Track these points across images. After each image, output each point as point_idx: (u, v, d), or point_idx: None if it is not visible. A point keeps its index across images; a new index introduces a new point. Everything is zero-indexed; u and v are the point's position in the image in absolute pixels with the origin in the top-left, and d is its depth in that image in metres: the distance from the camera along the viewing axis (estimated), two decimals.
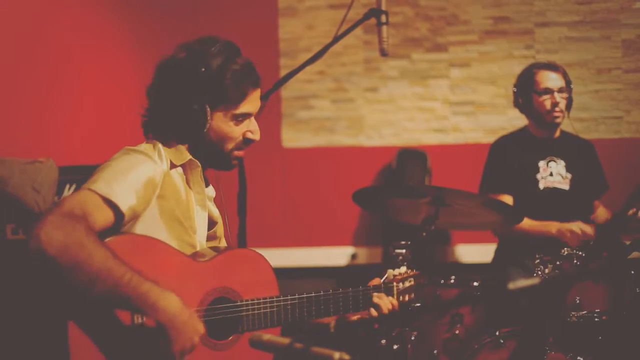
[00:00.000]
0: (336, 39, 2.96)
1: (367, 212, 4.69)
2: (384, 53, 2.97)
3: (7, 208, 3.07)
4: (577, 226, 3.49)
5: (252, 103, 2.20)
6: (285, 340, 1.54)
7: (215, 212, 2.33)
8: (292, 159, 4.82)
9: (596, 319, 2.81)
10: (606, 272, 2.57)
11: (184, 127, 2.13)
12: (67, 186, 3.35)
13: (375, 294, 2.33)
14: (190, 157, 2.16)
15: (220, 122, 2.16)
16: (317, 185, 4.82)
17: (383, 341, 3.18)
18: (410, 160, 4.60)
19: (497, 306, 3.11)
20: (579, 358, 2.77)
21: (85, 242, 1.81)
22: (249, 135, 2.21)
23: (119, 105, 4.16)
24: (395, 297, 2.38)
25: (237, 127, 2.19)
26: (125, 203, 1.96)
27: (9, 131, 3.36)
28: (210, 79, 2.11)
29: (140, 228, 2.04)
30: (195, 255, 2.11)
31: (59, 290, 1.86)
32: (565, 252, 2.87)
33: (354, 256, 4.75)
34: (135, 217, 2.02)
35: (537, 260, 2.89)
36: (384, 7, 2.97)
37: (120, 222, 1.98)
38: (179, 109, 2.12)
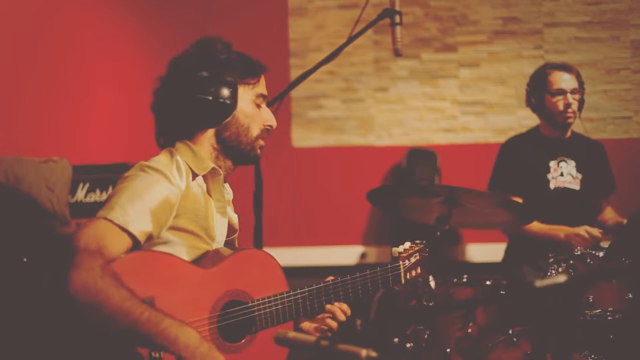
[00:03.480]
0: (351, 39, 2.97)
1: (376, 212, 4.71)
2: (397, 53, 2.97)
3: (22, 206, 3.09)
4: (584, 230, 3.50)
5: (264, 85, 2.26)
6: (312, 338, 1.55)
7: (235, 219, 2.33)
8: (302, 159, 4.84)
9: (609, 318, 2.82)
10: (627, 271, 2.58)
11: (213, 111, 2.14)
12: (81, 185, 3.37)
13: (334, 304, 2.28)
14: (212, 165, 2.16)
15: (245, 104, 2.19)
16: (327, 185, 4.83)
17: (396, 340, 3.19)
18: (420, 160, 4.62)
19: (518, 305, 3.11)
20: (592, 356, 2.78)
21: (101, 284, 1.81)
22: (269, 122, 2.25)
23: (132, 105, 4.17)
24: (401, 275, 2.38)
25: (258, 110, 2.23)
26: (142, 229, 1.97)
27: (23, 131, 3.38)
28: (231, 59, 2.16)
29: (156, 247, 2.06)
30: (203, 262, 2.11)
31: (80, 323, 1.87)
32: (579, 252, 2.88)
33: (363, 255, 4.77)
34: (152, 239, 2.03)
35: (551, 260, 2.89)
36: (397, 8, 2.97)
37: (137, 246, 1.98)
38: (206, 93, 2.12)
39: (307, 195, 4.84)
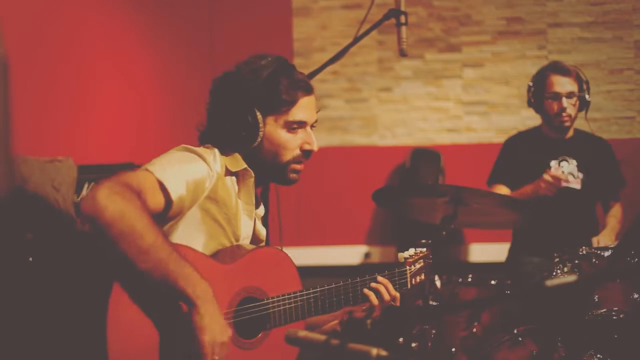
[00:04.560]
0: (357, 39, 2.98)
1: (380, 212, 4.72)
2: (403, 54, 2.98)
3: (29, 206, 3.10)
4: (546, 175, 3.56)
5: (304, 110, 2.19)
6: (322, 337, 1.55)
7: (262, 232, 2.35)
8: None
9: (614, 317, 2.83)
10: (633, 271, 2.59)
11: (238, 137, 2.15)
12: (86, 184, 3.38)
13: (378, 280, 2.31)
14: (245, 165, 2.17)
15: (274, 130, 2.16)
16: (330, 185, 4.84)
17: (401, 339, 3.20)
18: (423, 160, 4.63)
19: (525, 304, 3.12)
20: (597, 356, 2.79)
21: (141, 215, 1.81)
22: (306, 146, 2.20)
23: (137, 104, 4.19)
24: (408, 279, 2.39)
25: (292, 136, 2.18)
26: (176, 191, 1.98)
27: (29, 130, 3.39)
28: (260, 86, 2.13)
29: (181, 229, 2.07)
30: (222, 257, 2.13)
31: (104, 257, 1.86)
32: (584, 252, 2.90)
33: (367, 255, 4.78)
34: (181, 211, 2.03)
35: (556, 259, 2.91)
36: (403, 8, 2.98)
37: (168, 209, 1.99)
38: (232, 120, 2.14)
39: (310, 195, 4.84)
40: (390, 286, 2.29)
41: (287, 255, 2.24)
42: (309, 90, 2.21)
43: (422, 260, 2.47)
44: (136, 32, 4.24)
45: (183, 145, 2.11)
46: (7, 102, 0.80)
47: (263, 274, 2.14)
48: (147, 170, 1.96)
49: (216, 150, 2.15)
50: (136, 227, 1.80)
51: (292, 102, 2.15)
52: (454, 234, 4.65)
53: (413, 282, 2.42)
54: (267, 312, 2.11)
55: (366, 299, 2.27)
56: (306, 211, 4.84)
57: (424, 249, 2.49)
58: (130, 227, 1.80)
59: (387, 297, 2.27)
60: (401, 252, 2.45)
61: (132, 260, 1.82)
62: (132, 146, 4.02)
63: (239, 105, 2.13)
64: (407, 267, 2.40)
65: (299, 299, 2.15)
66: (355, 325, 2.28)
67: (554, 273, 2.88)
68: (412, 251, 2.46)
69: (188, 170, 2.03)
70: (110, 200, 1.78)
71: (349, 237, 4.79)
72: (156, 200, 1.94)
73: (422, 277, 2.46)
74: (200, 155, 2.08)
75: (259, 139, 2.14)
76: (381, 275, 2.32)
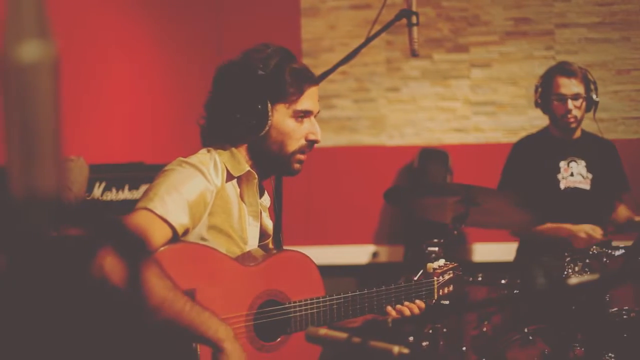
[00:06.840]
0: (368, 40, 2.99)
1: (388, 211, 4.73)
2: (414, 54, 2.99)
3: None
4: (583, 232, 3.53)
5: (311, 100, 2.20)
6: (343, 335, 1.56)
7: (269, 225, 2.35)
8: (314, 158, 4.82)
9: (625, 317, 2.85)
10: None
11: (245, 126, 2.13)
12: (97, 184, 3.39)
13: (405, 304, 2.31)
14: (248, 168, 2.16)
15: (282, 120, 2.15)
16: (338, 185, 4.85)
17: (411, 338, 3.22)
18: (431, 160, 4.64)
19: (536, 304, 3.13)
20: (608, 355, 2.80)
21: (148, 274, 1.80)
22: (311, 136, 2.20)
23: (148, 104, 4.20)
24: (435, 290, 2.39)
25: (298, 125, 2.18)
26: (179, 222, 1.98)
27: None
28: (269, 75, 2.12)
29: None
30: (244, 259, 2.13)
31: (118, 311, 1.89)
32: (595, 251, 2.91)
33: (375, 254, 4.79)
34: (189, 230, 2.04)
35: (568, 259, 2.92)
36: (414, 8, 3.00)
37: (176, 236, 2.00)
38: (239, 108, 2.12)
39: (318, 194, 4.85)
40: (416, 309, 2.30)
41: (311, 260, 2.24)
42: (315, 81, 2.24)
43: (451, 272, 2.43)
44: (148, 32, 4.26)
45: (179, 158, 2.10)
46: (58, 102, 0.81)
47: (286, 278, 2.15)
48: (146, 209, 1.95)
49: (216, 156, 2.14)
50: (143, 287, 1.80)
51: (301, 92, 2.17)
52: (461, 233, 4.68)
53: (440, 293, 2.39)
54: (288, 316, 2.12)
55: (382, 310, 2.28)
56: (314, 211, 4.85)
57: (453, 263, 2.46)
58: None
59: (409, 314, 2.30)
60: (430, 262, 2.43)
61: (147, 316, 1.84)
62: (144, 145, 4.04)
63: (249, 93, 2.12)
64: (435, 278, 2.38)
65: (321, 304, 2.15)
66: (376, 325, 2.30)
67: (565, 272, 2.89)
68: (441, 262, 2.44)
69: (188, 191, 2.02)
70: (114, 266, 1.76)
71: (357, 237, 4.80)
72: (162, 236, 1.95)
73: (450, 288, 2.43)
74: (197, 168, 2.07)
75: (267, 128, 2.14)
76: (407, 285, 2.32)
